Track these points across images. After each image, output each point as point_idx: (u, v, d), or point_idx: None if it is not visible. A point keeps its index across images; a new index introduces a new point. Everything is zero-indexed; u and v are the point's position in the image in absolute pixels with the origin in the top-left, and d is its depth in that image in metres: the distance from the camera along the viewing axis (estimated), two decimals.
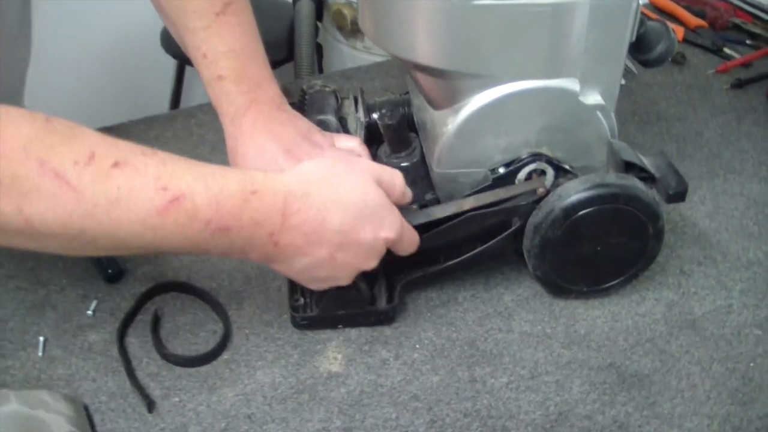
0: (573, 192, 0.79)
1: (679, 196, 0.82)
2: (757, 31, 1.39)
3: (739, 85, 1.25)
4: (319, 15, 1.98)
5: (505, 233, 0.83)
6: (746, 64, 1.30)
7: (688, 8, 1.42)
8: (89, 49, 2.14)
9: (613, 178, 0.80)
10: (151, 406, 0.76)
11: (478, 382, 0.79)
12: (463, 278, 0.89)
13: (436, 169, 0.84)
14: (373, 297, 0.83)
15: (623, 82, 1.24)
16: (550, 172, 0.85)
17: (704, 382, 0.80)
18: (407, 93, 0.98)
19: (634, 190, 0.79)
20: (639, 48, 0.86)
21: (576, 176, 0.84)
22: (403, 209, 0.88)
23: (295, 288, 0.84)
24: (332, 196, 0.72)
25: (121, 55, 2.17)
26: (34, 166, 0.59)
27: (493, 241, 0.83)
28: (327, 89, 1.05)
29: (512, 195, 0.83)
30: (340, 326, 0.83)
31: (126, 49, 2.15)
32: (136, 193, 0.64)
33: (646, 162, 0.84)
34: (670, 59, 0.90)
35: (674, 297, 0.89)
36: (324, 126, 0.97)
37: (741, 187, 1.05)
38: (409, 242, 0.79)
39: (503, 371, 0.80)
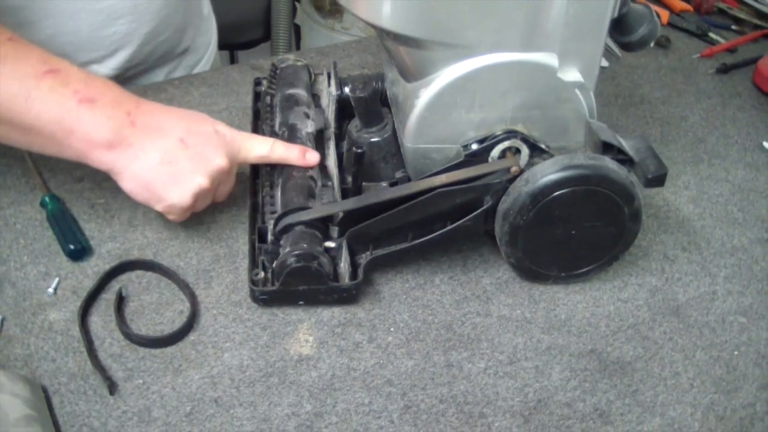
0: (540, 175, 0.76)
1: (657, 180, 0.79)
2: (743, 16, 1.37)
3: (724, 70, 1.23)
4: None
5: (476, 212, 0.80)
6: (731, 50, 1.28)
7: None
8: None
9: (582, 158, 0.77)
10: (112, 388, 0.73)
11: (455, 367, 0.77)
12: (440, 260, 0.86)
13: (407, 143, 0.81)
14: (336, 274, 0.80)
15: (606, 64, 1.22)
16: (525, 151, 0.82)
17: (687, 369, 0.78)
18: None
19: (605, 170, 0.76)
20: (620, 30, 0.83)
21: (552, 156, 0.81)
22: (372, 186, 0.86)
23: (255, 262, 0.81)
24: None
25: None
26: None
27: (464, 220, 0.80)
28: (299, 63, 1.01)
29: (485, 173, 0.80)
30: (300, 303, 0.80)
31: None
32: (21, 60, 0.76)
33: (625, 144, 0.81)
34: (652, 44, 0.87)
35: (657, 283, 0.86)
36: (294, 99, 0.94)
37: (726, 173, 1.03)
38: (231, 185, 0.87)
39: (481, 356, 0.78)
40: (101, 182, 0.92)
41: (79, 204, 0.90)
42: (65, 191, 0.91)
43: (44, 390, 0.72)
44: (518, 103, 0.79)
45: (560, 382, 0.76)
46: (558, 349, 0.79)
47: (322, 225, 0.81)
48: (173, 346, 0.77)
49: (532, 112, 0.80)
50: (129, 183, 0.80)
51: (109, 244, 0.86)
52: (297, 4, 1.96)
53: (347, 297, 0.80)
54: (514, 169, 0.78)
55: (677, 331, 0.81)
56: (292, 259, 0.76)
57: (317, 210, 0.80)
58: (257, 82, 1.04)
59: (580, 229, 0.79)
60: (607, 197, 0.77)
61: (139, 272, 0.83)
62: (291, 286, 0.78)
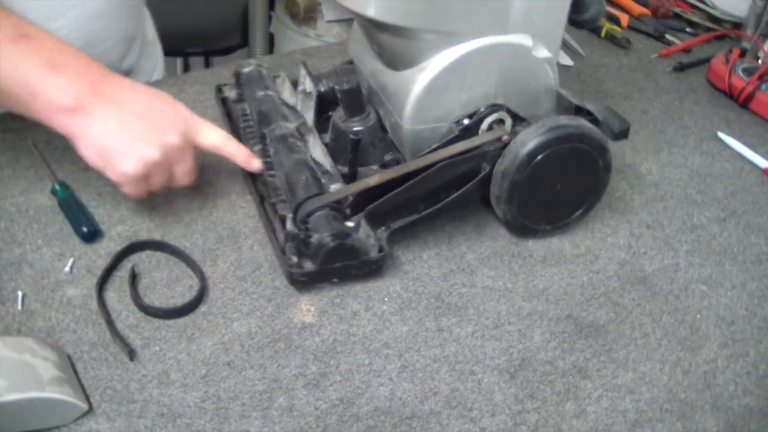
0: (533, 137, 0.86)
1: (623, 133, 0.90)
2: (696, 19, 1.47)
3: (680, 68, 1.32)
4: (270, 3, 2.01)
5: (477, 178, 0.89)
6: (687, 50, 1.38)
7: None
8: None
9: (566, 120, 0.87)
10: (132, 354, 0.78)
11: (445, 331, 0.84)
12: (427, 238, 0.94)
13: (406, 126, 0.88)
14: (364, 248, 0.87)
15: (572, 63, 1.30)
16: (508, 121, 0.91)
17: (655, 331, 0.86)
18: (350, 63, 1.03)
19: (585, 129, 0.87)
20: (575, 9, 0.93)
21: (530, 124, 0.90)
22: (364, 170, 0.92)
23: (284, 250, 0.86)
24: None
25: None
26: None
27: (466, 186, 0.89)
28: (259, 67, 1.09)
29: (480, 143, 0.88)
30: (335, 280, 0.86)
31: None
32: None
33: (591, 107, 0.91)
34: (600, 21, 0.97)
35: (626, 256, 0.95)
36: (270, 100, 1.01)
37: (684, 160, 1.11)
38: (188, 166, 0.90)
39: (468, 321, 0.85)
40: None
41: (87, 192, 0.96)
42: (72, 180, 0.97)
43: (68, 357, 0.78)
44: (500, 80, 0.88)
45: (541, 343, 0.83)
46: (538, 315, 0.86)
47: (340, 206, 0.88)
48: (186, 317, 0.83)
49: (511, 86, 0.90)
50: (86, 149, 0.84)
51: (119, 227, 0.92)
52: (271, 13, 2.02)
53: (375, 269, 0.87)
54: (505, 137, 0.88)
55: (645, 298, 0.89)
56: (328, 239, 0.82)
57: (337, 193, 0.87)
58: (219, 89, 1.11)
59: (564, 183, 0.90)
60: (586, 152, 0.88)
61: (149, 252, 0.89)
62: (328, 264, 0.84)
